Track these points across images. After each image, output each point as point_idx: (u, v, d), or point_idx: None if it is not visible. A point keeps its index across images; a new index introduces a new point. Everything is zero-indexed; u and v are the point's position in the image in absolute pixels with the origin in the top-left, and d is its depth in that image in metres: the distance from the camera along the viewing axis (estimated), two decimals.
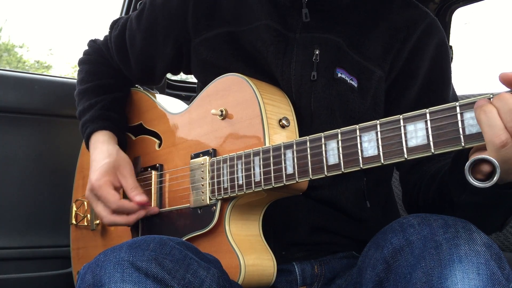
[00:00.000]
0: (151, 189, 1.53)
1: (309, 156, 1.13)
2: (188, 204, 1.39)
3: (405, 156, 0.99)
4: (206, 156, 1.36)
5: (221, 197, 1.30)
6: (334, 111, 1.38)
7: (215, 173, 1.32)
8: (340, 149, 1.08)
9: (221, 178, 1.30)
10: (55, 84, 2.28)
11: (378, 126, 1.03)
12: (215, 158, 1.34)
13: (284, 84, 1.39)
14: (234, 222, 1.30)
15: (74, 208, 1.83)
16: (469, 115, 0.92)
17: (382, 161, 1.02)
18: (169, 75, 2.70)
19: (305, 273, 1.39)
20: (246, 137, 1.30)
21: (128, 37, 1.66)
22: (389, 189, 1.57)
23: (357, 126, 1.06)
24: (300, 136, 1.31)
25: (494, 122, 0.87)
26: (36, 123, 2.20)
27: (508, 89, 0.89)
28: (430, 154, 0.96)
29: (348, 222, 1.41)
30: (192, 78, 2.82)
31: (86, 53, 1.79)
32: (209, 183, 1.33)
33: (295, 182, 1.16)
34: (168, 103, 1.64)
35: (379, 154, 1.02)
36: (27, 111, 2.18)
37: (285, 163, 1.17)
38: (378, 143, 1.03)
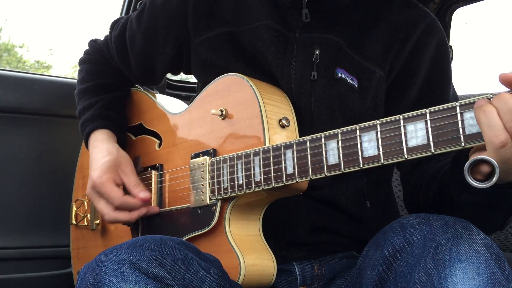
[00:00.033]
0: (151, 189, 1.53)
1: (309, 156, 1.13)
2: (188, 204, 1.39)
3: (405, 156, 0.99)
4: (206, 156, 1.36)
5: (221, 197, 1.30)
6: (334, 111, 1.38)
7: (215, 173, 1.32)
8: (340, 149, 1.08)
9: (221, 178, 1.30)
10: (55, 84, 2.28)
11: (378, 126, 1.03)
12: (215, 158, 1.34)
13: (284, 84, 1.39)
14: (234, 222, 1.30)
15: (74, 208, 1.83)
16: (469, 115, 0.92)
17: (382, 161, 1.02)
18: (169, 75, 2.70)
19: (305, 273, 1.39)
20: (246, 137, 1.30)
21: (128, 37, 1.66)
22: (389, 189, 1.57)
23: (357, 126, 1.06)
24: (300, 136, 1.31)
25: (494, 122, 0.87)
26: (36, 123, 2.20)
27: (508, 89, 0.89)
28: (430, 154, 0.96)
29: (348, 222, 1.41)
30: (192, 78, 2.82)
31: (86, 52, 1.79)
32: (209, 183, 1.33)
33: (295, 182, 1.16)
34: (168, 103, 1.64)
35: (379, 154, 1.02)
36: (27, 111, 2.18)
37: (285, 163, 1.17)
38: (378, 143, 1.03)
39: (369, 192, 1.43)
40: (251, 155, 1.24)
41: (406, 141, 0.99)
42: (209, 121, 1.39)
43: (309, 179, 1.14)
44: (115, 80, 1.72)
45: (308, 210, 1.38)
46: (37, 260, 2.16)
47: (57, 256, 2.17)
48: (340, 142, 1.09)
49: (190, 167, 1.40)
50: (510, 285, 0.96)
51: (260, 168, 1.22)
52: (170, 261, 1.08)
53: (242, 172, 1.25)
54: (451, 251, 0.96)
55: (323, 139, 1.12)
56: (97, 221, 1.72)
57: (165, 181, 1.51)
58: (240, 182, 1.25)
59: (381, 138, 1.02)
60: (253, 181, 1.23)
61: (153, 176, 1.53)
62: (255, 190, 1.23)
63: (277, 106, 1.32)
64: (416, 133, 0.98)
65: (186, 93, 2.70)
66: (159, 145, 1.58)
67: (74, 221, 1.82)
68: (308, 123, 1.37)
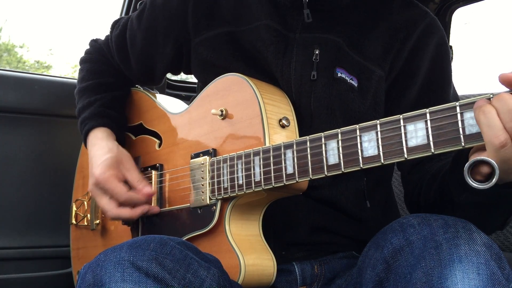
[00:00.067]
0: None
1: (309, 156, 1.13)
2: (188, 204, 1.39)
3: (405, 156, 0.99)
4: (206, 156, 1.36)
5: (221, 197, 1.30)
6: (334, 110, 1.38)
7: (215, 173, 1.32)
8: (340, 149, 1.08)
9: (221, 178, 1.30)
10: (55, 84, 2.28)
11: (378, 126, 1.03)
12: (215, 158, 1.34)
13: (284, 84, 1.39)
14: (234, 222, 1.30)
15: (74, 208, 1.83)
16: (469, 115, 0.92)
17: (382, 161, 1.02)
18: (169, 75, 2.70)
19: (305, 273, 1.39)
20: (246, 137, 1.30)
21: (128, 37, 1.66)
22: (389, 189, 1.57)
23: (357, 126, 1.06)
24: (300, 136, 1.31)
25: (493, 122, 0.87)
26: (36, 123, 2.20)
27: (508, 90, 0.89)
28: (430, 154, 0.96)
29: (348, 222, 1.41)
30: (192, 78, 2.82)
31: (87, 52, 1.79)
32: (209, 183, 1.33)
33: (295, 182, 1.16)
34: (168, 103, 1.64)
35: (379, 154, 1.02)
36: (27, 111, 2.18)
37: (285, 163, 1.18)
38: (378, 143, 1.03)
39: (369, 192, 1.43)
40: (251, 155, 1.24)
41: (406, 141, 0.99)
42: (209, 121, 1.39)
43: (309, 179, 1.14)
44: (116, 79, 1.72)
45: (308, 210, 1.38)
46: (37, 260, 2.16)
47: (57, 256, 2.17)
48: (340, 142, 1.09)
49: (190, 167, 1.40)
50: (510, 285, 0.96)
51: (260, 168, 1.22)
52: (170, 261, 1.08)
53: (242, 172, 1.25)
54: (451, 251, 0.96)
55: (323, 139, 1.12)
56: (97, 221, 1.72)
57: (165, 181, 1.51)
58: (240, 182, 1.25)
59: (381, 138, 1.02)
60: (253, 181, 1.23)
61: (153, 176, 1.53)
62: (255, 190, 1.23)
63: (277, 106, 1.32)
64: (416, 133, 0.98)
65: (186, 93, 2.70)
66: (159, 145, 1.58)
67: (74, 221, 1.82)
68: (308, 122, 1.37)
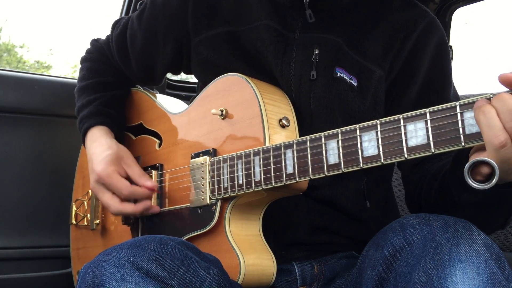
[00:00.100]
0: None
1: (309, 155, 1.13)
2: (188, 204, 1.39)
3: (405, 155, 0.99)
4: (206, 156, 1.36)
5: (221, 197, 1.30)
6: (334, 110, 1.38)
7: (215, 172, 1.32)
8: (340, 148, 1.08)
9: (221, 178, 1.30)
10: (55, 84, 2.28)
11: (378, 126, 1.03)
12: (215, 157, 1.34)
13: (284, 83, 1.39)
14: (234, 221, 1.30)
15: (74, 208, 1.83)
16: (469, 115, 0.92)
17: (382, 161, 1.02)
18: (169, 75, 2.70)
19: (305, 273, 1.39)
20: (246, 137, 1.30)
21: (129, 37, 1.66)
22: (389, 189, 1.57)
23: (357, 126, 1.06)
24: (300, 136, 1.31)
25: (493, 122, 0.87)
26: (36, 123, 2.20)
27: (507, 90, 0.89)
28: (430, 153, 0.96)
29: (348, 222, 1.41)
30: (192, 78, 2.82)
31: (88, 51, 1.80)
32: (209, 182, 1.33)
33: (295, 181, 1.16)
34: (168, 103, 1.64)
35: (379, 153, 1.02)
36: (27, 111, 2.18)
37: (285, 162, 1.18)
38: (378, 142, 1.03)
39: (369, 192, 1.43)
40: (251, 155, 1.24)
41: (406, 140, 0.99)
42: (209, 121, 1.39)
43: (309, 178, 1.14)
44: (116, 79, 1.72)
45: (308, 210, 1.38)
46: (37, 260, 2.16)
47: (57, 256, 2.17)
48: (340, 141, 1.09)
49: (190, 167, 1.40)
50: (510, 285, 0.96)
51: (260, 168, 1.22)
52: (170, 261, 1.08)
53: (242, 172, 1.25)
54: (451, 251, 0.96)
55: (323, 139, 1.12)
56: (97, 221, 1.72)
57: (165, 181, 1.51)
58: (240, 181, 1.25)
59: (381, 138, 1.02)
60: (253, 181, 1.23)
61: (153, 176, 1.53)
62: (255, 189, 1.23)
63: (277, 106, 1.32)
64: (416, 132, 0.98)
65: (186, 93, 2.70)
66: (159, 145, 1.58)
67: (74, 221, 1.82)
68: (307, 122, 1.37)
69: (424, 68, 1.43)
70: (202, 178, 1.36)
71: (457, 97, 1.46)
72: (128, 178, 1.49)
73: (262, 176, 1.21)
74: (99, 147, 1.53)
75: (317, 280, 1.39)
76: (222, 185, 1.30)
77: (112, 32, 1.74)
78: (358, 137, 1.06)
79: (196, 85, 1.81)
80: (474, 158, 0.94)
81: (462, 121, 0.93)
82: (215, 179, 1.32)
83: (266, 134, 1.26)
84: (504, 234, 2.16)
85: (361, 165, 1.05)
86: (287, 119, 1.30)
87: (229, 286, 1.18)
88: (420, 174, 1.37)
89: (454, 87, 1.49)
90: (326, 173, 1.11)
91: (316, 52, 1.39)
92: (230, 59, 1.47)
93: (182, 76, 2.89)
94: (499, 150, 0.88)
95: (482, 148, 0.93)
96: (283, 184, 1.18)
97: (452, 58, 2.12)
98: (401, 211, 1.96)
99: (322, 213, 1.39)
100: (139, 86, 1.80)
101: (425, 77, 1.43)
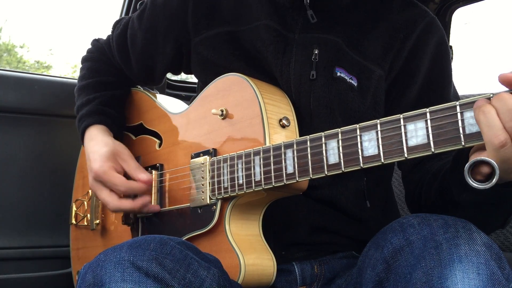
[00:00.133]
0: (151, 188, 1.53)
1: (309, 155, 1.13)
2: (188, 204, 1.39)
3: (405, 155, 0.99)
4: (206, 156, 1.36)
5: (221, 197, 1.30)
6: (334, 110, 1.38)
7: (215, 172, 1.32)
8: (341, 148, 1.08)
9: (221, 178, 1.30)
10: (55, 84, 2.28)
11: (379, 126, 1.03)
12: (215, 157, 1.34)
13: (284, 83, 1.39)
14: (234, 221, 1.30)
15: (74, 208, 1.83)
16: (469, 114, 0.92)
17: (383, 160, 1.02)
18: (169, 75, 2.70)
19: (304, 273, 1.39)
20: (246, 136, 1.30)
21: (129, 37, 1.66)
22: (389, 189, 1.57)
23: (357, 126, 1.06)
24: (300, 135, 1.31)
25: (493, 122, 0.87)
26: (36, 123, 2.20)
27: (507, 89, 0.89)
28: (430, 153, 0.96)
29: (348, 222, 1.41)
30: (192, 78, 2.82)
31: (89, 51, 1.80)
32: (209, 182, 1.33)
33: (295, 181, 1.16)
34: (168, 103, 1.64)
35: (379, 153, 1.02)
36: (27, 111, 2.18)
37: (285, 162, 1.18)
38: (378, 142, 1.03)
39: (369, 192, 1.43)
40: (251, 155, 1.24)
41: (406, 140, 0.99)
42: (209, 121, 1.40)
43: (309, 178, 1.14)
44: (116, 78, 1.73)
45: (308, 210, 1.38)
46: (37, 260, 2.16)
47: (57, 256, 2.17)
48: (340, 141, 1.09)
49: (190, 167, 1.40)
50: (510, 285, 0.96)
51: (260, 168, 1.22)
52: (170, 261, 1.08)
53: (242, 172, 1.25)
54: (451, 251, 0.96)
55: (323, 139, 1.12)
56: (97, 221, 1.72)
57: (166, 180, 1.51)
58: (240, 181, 1.25)
59: (381, 138, 1.02)
60: (253, 181, 1.23)
61: (153, 176, 1.53)
62: (255, 189, 1.23)
63: (278, 106, 1.32)
64: (416, 132, 0.98)
65: (186, 93, 2.70)
66: (160, 145, 1.58)
67: (74, 221, 1.82)
68: (307, 122, 1.37)
69: (424, 68, 1.43)
70: (202, 178, 1.36)
71: (457, 97, 1.46)
72: (125, 174, 1.50)
73: (262, 176, 1.21)
74: (96, 145, 1.53)
75: (317, 280, 1.39)
76: (222, 185, 1.30)
77: (112, 32, 1.74)
78: (358, 137, 1.06)
79: (196, 85, 1.82)
80: (474, 157, 0.94)
81: (462, 120, 0.93)
82: (215, 179, 1.32)
83: (266, 134, 1.26)
84: (504, 234, 2.16)
85: (361, 165, 1.05)
86: (287, 119, 1.30)
87: (229, 286, 1.18)
88: (420, 173, 1.37)
89: (454, 87, 1.49)
90: (326, 172, 1.11)
91: (316, 52, 1.39)
92: (230, 59, 1.47)
93: (182, 76, 2.89)
94: (499, 149, 0.88)
95: (482, 148, 0.93)
96: (283, 184, 1.18)
97: (452, 58, 2.13)
98: (401, 211, 1.96)
99: (322, 213, 1.39)
100: (139, 86, 1.80)
101: (425, 77, 1.43)
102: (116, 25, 1.74)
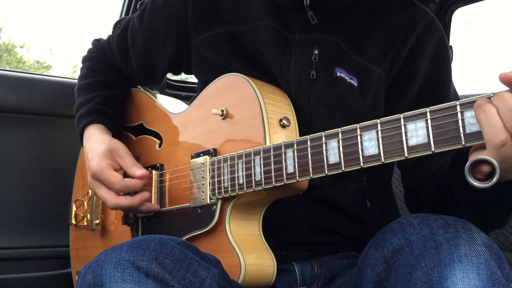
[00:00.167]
0: (151, 188, 1.53)
1: (309, 155, 1.13)
2: (189, 204, 1.39)
3: (406, 154, 0.99)
4: (206, 156, 1.36)
5: (221, 197, 1.30)
6: (334, 110, 1.38)
7: (216, 172, 1.32)
8: (341, 148, 1.08)
9: (222, 178, 1.30)
10: (55, 84, 2.28)
11: (379, 125, 1.03)
12: (215, 157, 1.34)
13: (284, 83, 1.40)
14: (234, 221, 1.30)
15: (74, 208, 1.83)
16: (469, 114, 0.92)
17: (383, 160, 1.02)
18: (169, 75, 2.70)
19: (304, 273, 1.39)
20: (246, 136, 1.30)
21: (129, 37, 1.66)
22: (389, 189, 1.57)
23: (358, 125, 1.06)
24: (300, 135, 1.31)
25: (494, 121, 0.87)
26: (36, 123, 2.20)
27: (508, 89, 0.89)
28: (431, 152, 0.96)
29: (348, 222, 1.41)
30: (192, 78, 2.82)
31: (89, 51, 1.80)
32: (209, 182, 1.33)
33: (295, 181, 1.16)
34: (168, 103, 1.64)
35: (379, 152, 1.03)
36: (27, 111, 2.18)
37: (285, 162, 1.18)
38: (378, 142, 1.03)
39: (369, 192, 1.43)
40: (252, 155, 1.24)
41: (406, 140, 0.99)
42: (209, 121, 1.40)
43: (309, 178, 1.14)
44: (116, 78, 1.73)
45: (308, 210, 1.38)
46: (37, 260, 2.16)
47: (57, 256, 2.17)
48: (340, 141, 1.09)
49: (190, 167, 1.40)
50: (510, 285, 0.96)
51: (260, 168, 1.22)
52: (171, 261, 1.08)
53: (242, 172, 1.25)
54: (451, 251, 0.96)
55: (323, 138, 1.12)
56: (97, 221, 1.72)
57: (166, 180, 1.51)
58: (241, 181, 1.25)
59: (382, 137, 1.02)
60: (253, 180, 1.23)
61: (153, 176, 1.53)
62: (256, 189, 1.23)
63: (278, 106, 1.32)
64: (417, 132, 0.98)
65: (186, 93, 2.70)
66: (160, 145, 1.58)
67: (74, 221, 1.82)
68: (307, 122, 1.37)
69: (424, 68, 1.43)
70: (203, 178, 1.36)
71: (456, 97, 1.46)
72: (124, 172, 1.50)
73: (263, 176, 1.21)
74: (94, 143, 1.54)
75: (317, 280, 1.39)
76: (222, 184, 1.30)
77: (113, 32, 1.74)
78: (359, 137, 1.06)
79: (196, 85, 1.82)
80: (474, 157, 0.94)
81: (463, 120, 0.93)
82: (216, 179, 1.32)
83: (266, 134, 1.26)
84: (504, 234, 2.16)
85: (362, 165, 1.05)
86: (287, 119, 1.30)
87: (229, 286, 1.18)
88: (419, 173, 1.37)
89: (454, 87, 1.49)
90: (326, 172, 1.11)
91: (316, 52, 1.39)
92: (230, 59, 1.47)
93: (182, 76, 2.89)
94: (500, 148, 0.88)
95: (481, 147, 0.94)
96: (283, 183, 1.18)
97: (452, 58, 2.13)
98: (401, 211, 1.96)
99: (322, 213, 1.39)
100: (139, 86, 1.80)
101: (425, 77, 1.43)
102: (116, 25, 1.75)
